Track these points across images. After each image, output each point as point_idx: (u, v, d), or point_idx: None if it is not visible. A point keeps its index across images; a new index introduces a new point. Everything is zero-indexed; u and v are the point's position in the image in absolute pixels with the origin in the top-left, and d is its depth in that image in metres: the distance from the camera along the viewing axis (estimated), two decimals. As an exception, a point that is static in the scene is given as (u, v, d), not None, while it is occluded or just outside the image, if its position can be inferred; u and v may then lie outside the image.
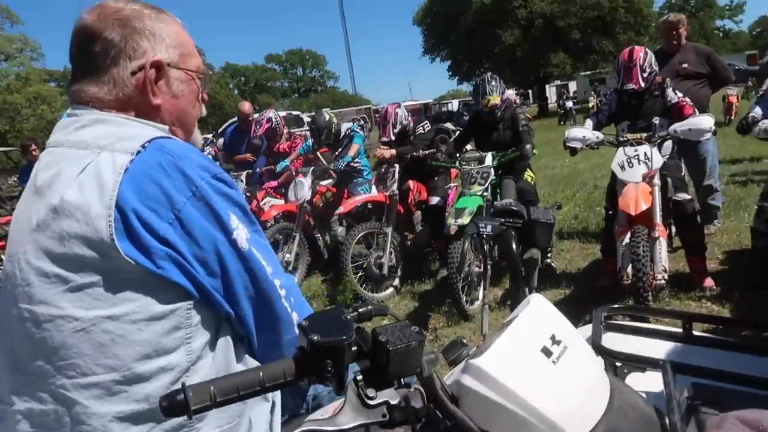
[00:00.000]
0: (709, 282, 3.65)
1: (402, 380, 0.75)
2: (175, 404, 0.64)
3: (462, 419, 0.78)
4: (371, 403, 0.71)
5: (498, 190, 4.28)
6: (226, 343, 1.01)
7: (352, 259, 4.59)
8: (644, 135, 3.59)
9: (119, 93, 1.02)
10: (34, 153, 7.27)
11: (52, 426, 0.92)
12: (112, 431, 0.89)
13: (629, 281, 3.18)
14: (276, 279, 1.02)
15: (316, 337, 0.68)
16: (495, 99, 4.34)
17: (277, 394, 1.11)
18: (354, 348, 0.73)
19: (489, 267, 3.63)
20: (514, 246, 3.67)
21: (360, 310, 0.83)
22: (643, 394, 0.94)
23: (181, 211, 0.90)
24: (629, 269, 3.19)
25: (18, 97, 34.87)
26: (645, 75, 3.72)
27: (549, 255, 4.55)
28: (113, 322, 0.88)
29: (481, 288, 3.83)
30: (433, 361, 0.76)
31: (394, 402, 0.72)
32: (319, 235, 5.60)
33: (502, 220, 3.65)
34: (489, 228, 3.63)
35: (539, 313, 0.89)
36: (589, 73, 37.04)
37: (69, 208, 0.89)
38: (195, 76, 1.12)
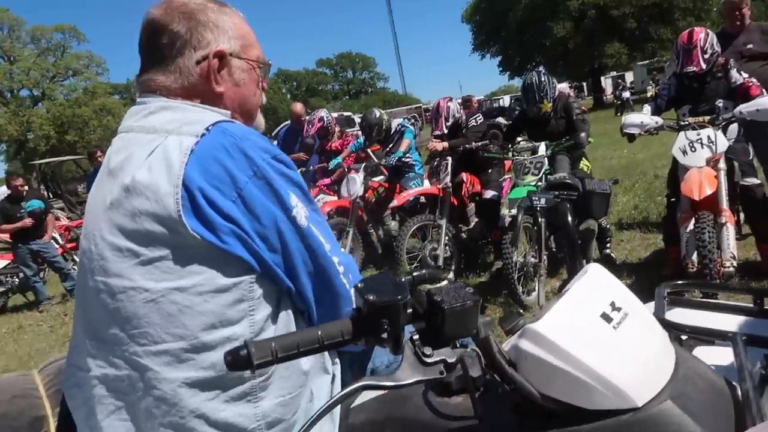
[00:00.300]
0: (782, 270, 3.45)
1: (458, 342, 0.76)
2: (238, 358, 0.67)
3: (521, 383, 0.77)
4: (428, 360, 0.72)
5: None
6: (287, 316, 1.04)
7: (407, 252, 4.60)
8: (707, 118, 3.43)
9: (185, 81, 1.07)
10: (99, 159, 7.66)
11: (126, 390, 0.97)
12: (181, 396, 0.94)
13: (695, 269, 3.04)
14: (334, 256, 1.05)
15: (372, 297, 0.70)
16: (547, 106, 4.26)
17: (338, 367, 1.14)
18: (409, 310, 0.73)
19: (543, 239, 3.56)
20: (569, 218, 3.58)
21: (415, 274, 0.84)
22: (712, 366, 0.91)
23: (243, 189, 0.94)
24: (694, 257, 3.05)
25: (86, 110, 36.84)
26: (706, 56, 3.55)
27: (608, 245, 4.43)
28: (181, 293, 0.93)
29: (540, 254, 3.76)
30: (489, 324, 0.75)
31: (451, 360, 0.73)
32: (372, 230, 5.63)
33: (557, 192, 3.58)
34: (543, 201, 3.56)
35: (598, 280, 0.87)
36: (646, 62, 35.61)
37: (140, 188, 0.94)
38: (255, 65, 1.17)
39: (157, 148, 0.97)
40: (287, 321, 1.04)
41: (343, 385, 1.16)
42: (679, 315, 1.10)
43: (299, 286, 1.02)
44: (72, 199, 15.28)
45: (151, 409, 0.95)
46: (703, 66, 3.54)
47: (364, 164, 5.45)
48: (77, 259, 7.73)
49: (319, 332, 0.71)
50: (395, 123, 5.81)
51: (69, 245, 8.03)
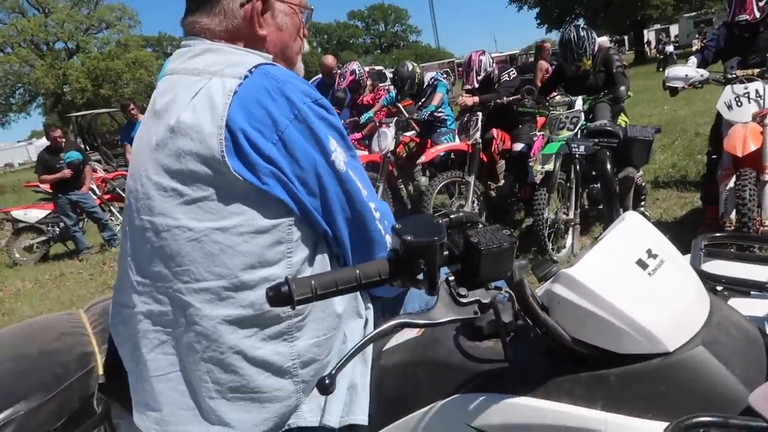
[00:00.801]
0: (825, 230, 3.34)
1: (492, 285, 0.77)
2: (280, 294, 0.69)
3: (553, 326, 0.78)
4: (463, 301, 0.73)
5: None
6: (323, 260, 1.06)
7: (435, 209, 4.59)
8: (757, 71, 3.28)
9: (229, 24, 1.08)
10: (132, 112, 7.76)
11: (169, 325, 1.02)
12: (221, 332, 0.98)
13: (732, 227, 2.99)
14: (371, 202, 1.06)
15: (409, 238, 0.71)
16: (586, 64, 4.12)
17: (371, 312, 1.17)
18: (446, 252, 0.74)
19: (579, 189, 3.51)
20: (609, 166, 3.52)
21: (451, 216, 0.84)
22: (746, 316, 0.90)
23: (284, 132, 0.95)
24: (733, 215, 2.99)
25: (119, 63, 37.08)
26: (761, 4, 3.36)
27: (643, 203, 4.34)
28: (222, 233, 0.96)
29: (572, 210, 3.73)
30: (524, 267, 0.76)
31: (485, 301, 0.74)
32: (402, 185, 5.63)
33: (596, 140, 3.51)
34: (582, 148, 3.51)
35: (635, 227, 0.87)
36: (693, 14, 33.96)
37: (184, 128, 0.97)
38: (297, 9, 1.17)
39: (201, 89, 0.98)
40: (323, 264, 1.06)
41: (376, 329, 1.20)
42: (715, 266, 1.09)
43: (336, 230, 1.04)
44: (108, 152, 15.58)
45: (193, 343, 0.99)
46: (757, 14, 3.37)
47: (395, 119, 5.40)
48: (114, 211, 7.94)
49: (357, 271, 0.73)
50: (428, 77, 5.71)
51: (106, 197, 8.23)
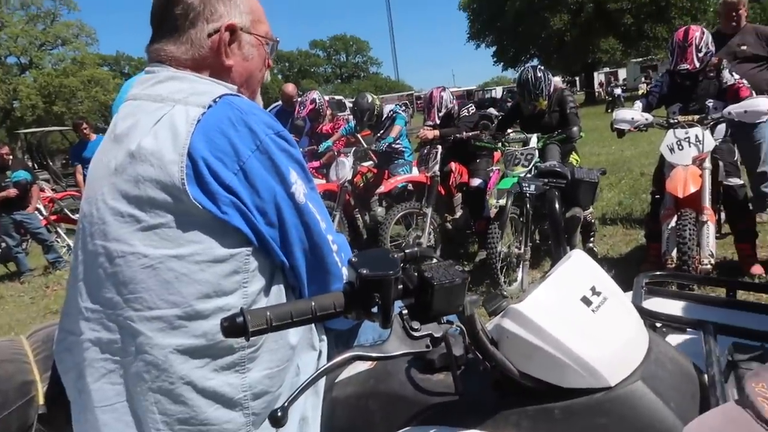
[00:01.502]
0: (757, 269, 3.53)
1: (444, 319, 0.79)
2: (234, 325, 0.69)
3: (502, 360, 0.81)
4: (415, 334, 0.75)
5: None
6: (279, 290, 1.07)
7: (391, 240, 4.62)
8: (696, 117, 3.49)
9: (195, 53, 1.09)
10: (85, 131, 7.56)
11: (118, 353, 1.00)
12: (172, 362, 0.96)
13: (674, 265, 3.12)
14: (329, 234, 1.08)
15: (365, 271, 0.72)
16: (542, 104, 4.29)
17: (324, 344, 1.17)
18: (400, 286, 0.76)
19: (530, 225, 3.66)
20: (557, 205, 3.65)
21: (406, 251, 0.87)
22: (682, 352, 0.95)
23: (245, 162, 0.97)
24: (674, 253, 3.13)
25: (73, 81, 36.12)
26: (700, 55, 3.58)
27: (592, 239, 4.49)
28: (178, 261, 0.95)
29: (523, 245, 3.82)
30: (475, 302, 0.79)
31: (437, 335, 0.76)
32: (359, 215, 5.66)
33: (546, 180, 3.64)
34: (532, 187, 3.63)
35: (580, 265, 0.91)
36: (640, 59, 35.86)
37: (145, 154, 0.97)
38: (264, 41, 1.19)
39: (164, 116, 0.99)
40: (279, 295, 1.06)
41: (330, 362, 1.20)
42: (655, 304, 1.15)
43: (293, 261, 1.05)
44: (57, 171, 15.10)
45: (142, 373, 0.97)
46: (697, 64, 3.58)
47: (354, 149, 5.45)
48: (60, 232, 7.63)
49: (313, 303, 0.74)
50: (387, 109, 5.80)
51: (53, 217, 7.94)
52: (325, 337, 1.19)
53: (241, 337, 0.71)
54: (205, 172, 0.94)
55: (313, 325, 1.13)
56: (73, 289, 1.07)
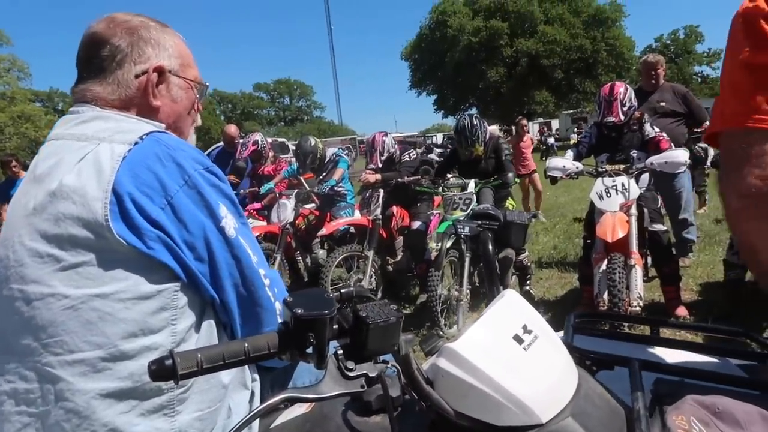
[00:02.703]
0: (681, 311, 3.72)
1: (380, 358, 0.79)
2: (163, 368, 0.66)
3: (437, 400, 0.81)
4: (350, 374, 0.74)
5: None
6: (209, 327, 1.04)
7: (332, 282, 4.59)
8: (622, 167, 3.72)
9: (122, 93, 1.09)
10: (14, 169, 7.22)
11: (35, 404, 0.93)
12: (95, 408, 0.91)
13: (605, 307, 3.25)
14: (261, 269, 1.06)
15: (299, 311, 0.72)
16: (479, 150, 4.46)
17: (257, 384, 1.14)
18: (335, 326, 0.76)
19: (468, 268, 3.79)
20: (490, 246, 3.77)
21: (342, 291, 0.86)
22: (610, 388, 0.98)
23: (173, 197, 0.95)
24: (605, 295, 3.26)
25: (2, 116, 34.59)
26: (625, 109, 3.85)
27: (528, 282, 4.61)
28: (102, 300, 0.91)
29: (461, 287, 3.89)
30: (410, 341, 0.79)
31: (372, 375, 0.76)
32: (300, 257, 5.60)
33: (480, 222, 3.77)
34: (467, 229, 3.75)
35: (512, 305, 0.93)
36: (571, 111, 37.99)
37: (67, 191, 0.93)
38: (193, 85, 1.20)
39: (88, 154, 0.96)
40: (209, 332, 1.03)
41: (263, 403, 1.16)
42: (585, 342, 1.18)
43: (224, 296, 1.02)
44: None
45: (61, 422, 0.91)
46: (622, 117, 3.84)
47: (296, 191, 5.44)
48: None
49: (246, 344, 0.72)
50: (330, 152, 5.85)
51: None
52: (257, 377, 1.16)
53: (170, 381, 0.68)
54: (130, 208, 0.92)
55: None
56: None
